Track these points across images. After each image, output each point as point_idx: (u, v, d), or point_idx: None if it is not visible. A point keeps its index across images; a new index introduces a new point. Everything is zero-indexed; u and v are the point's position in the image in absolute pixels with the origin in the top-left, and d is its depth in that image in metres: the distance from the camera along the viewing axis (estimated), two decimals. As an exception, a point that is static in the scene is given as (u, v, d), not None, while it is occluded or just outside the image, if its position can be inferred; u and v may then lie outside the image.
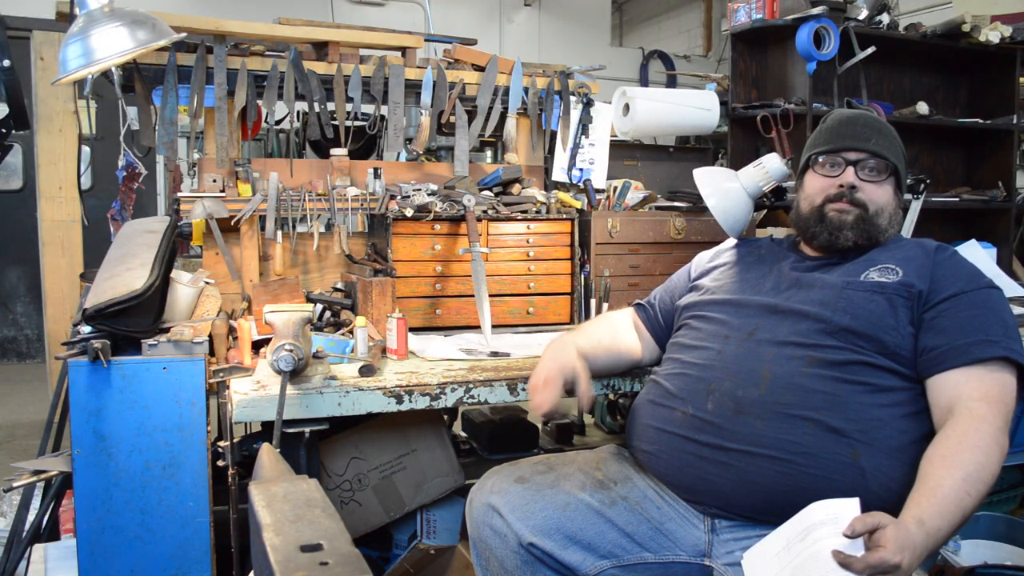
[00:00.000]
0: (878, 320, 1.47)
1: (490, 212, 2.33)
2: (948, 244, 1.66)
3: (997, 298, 1.51)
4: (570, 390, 1.63)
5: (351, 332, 1.98)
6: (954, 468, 1.28)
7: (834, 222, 1.61)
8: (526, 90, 2.55)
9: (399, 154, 3.69)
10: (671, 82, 7.79)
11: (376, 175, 2.35)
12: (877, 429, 1.41)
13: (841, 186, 1.62)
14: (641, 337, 1.85)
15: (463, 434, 2.67)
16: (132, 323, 1.65)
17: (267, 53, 2.30)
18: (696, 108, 2.74)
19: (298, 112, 2.38)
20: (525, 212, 2.38)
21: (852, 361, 1.45)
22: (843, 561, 1.15)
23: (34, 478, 1.80)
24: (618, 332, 1.84)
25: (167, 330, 1.72)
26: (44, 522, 1.97)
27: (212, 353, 1.81)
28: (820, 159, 1.66)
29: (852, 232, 1.60)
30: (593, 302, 2.42)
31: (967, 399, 1.38)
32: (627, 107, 2.68)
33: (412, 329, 2.09)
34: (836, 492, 1.37)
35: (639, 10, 9.68)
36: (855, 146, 1.62)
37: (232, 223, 2.25)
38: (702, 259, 1.87)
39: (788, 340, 1.50)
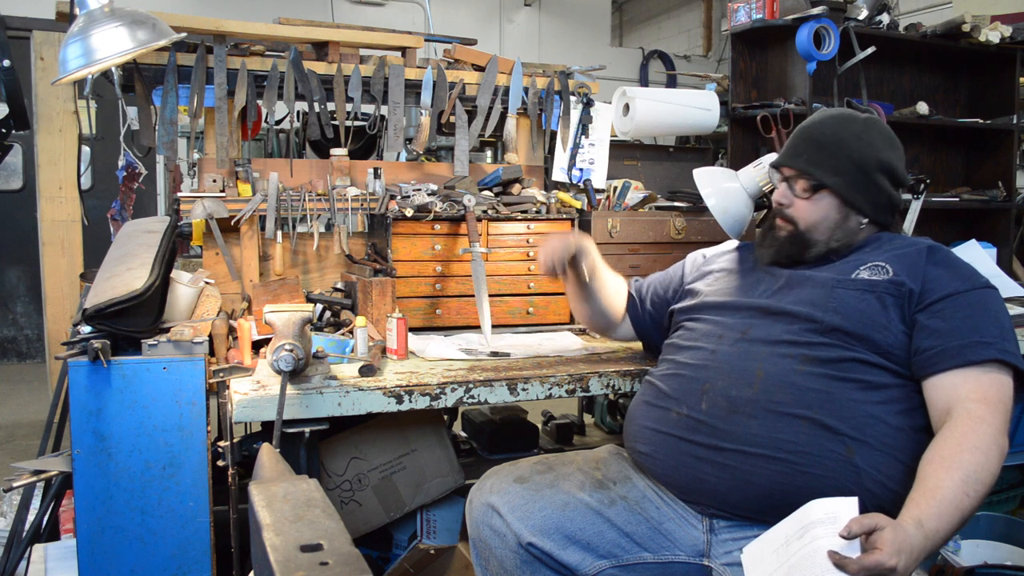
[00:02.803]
0: (869, 319, 1.47)
1: (490, 212, 2.33)
2: (945, 244, 1.66)
3: (992, 298, 1.50)
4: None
5: (351, 332, 1.98)
6: (953, 469, 1.28)
7: (776, 239, 1.67)
8: (526, 90, 2.55)
9: (399, 154, 3.69)
10: (671, 82, 7.80)
11: (376, 175, 2.35)
12: (871, 426, 1.41)
13: (778, 203, 1.67)
14: (623, 316, 1.95)
15: (463, 434, 2.67)
16: (132, 323, 1.65)
17: (267, 53, 2.30)
18: (696, 108, 2.74)
19: (298, 112, 2.38)
20: (525, 212, 2.38)
21: (845, 358, 1.45)
22: (838, 562, 1.15)
23: (34, 478, 1.80)
24: (620, 290, 1.95)
25: (167, 330, 1.72)
26: (44, 522, 1.97)
27: (212, 353, 1.81)
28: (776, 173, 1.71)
29: (770, 251, 1.67)
30: (593, 302, 2.42)
31: (965, 400, 1.37)
32: (627, 107, 2.68)
33: (412, 329, 2.09)
34: (831, 490, 1.37)
35: (639, 10, 9.68)
36: (785, 162, 1.67)
37: (232, 223, 2.25)
38: (697, 260, 1.88)
39: (781, 339, 1.51)
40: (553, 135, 2.64)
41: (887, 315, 1.47)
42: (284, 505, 0.93)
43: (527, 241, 2.39)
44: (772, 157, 1.96)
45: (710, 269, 1.81)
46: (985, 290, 1.50)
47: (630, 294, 1.93)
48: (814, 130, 1.67)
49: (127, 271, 1.72)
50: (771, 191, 1.96)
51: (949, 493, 1.25)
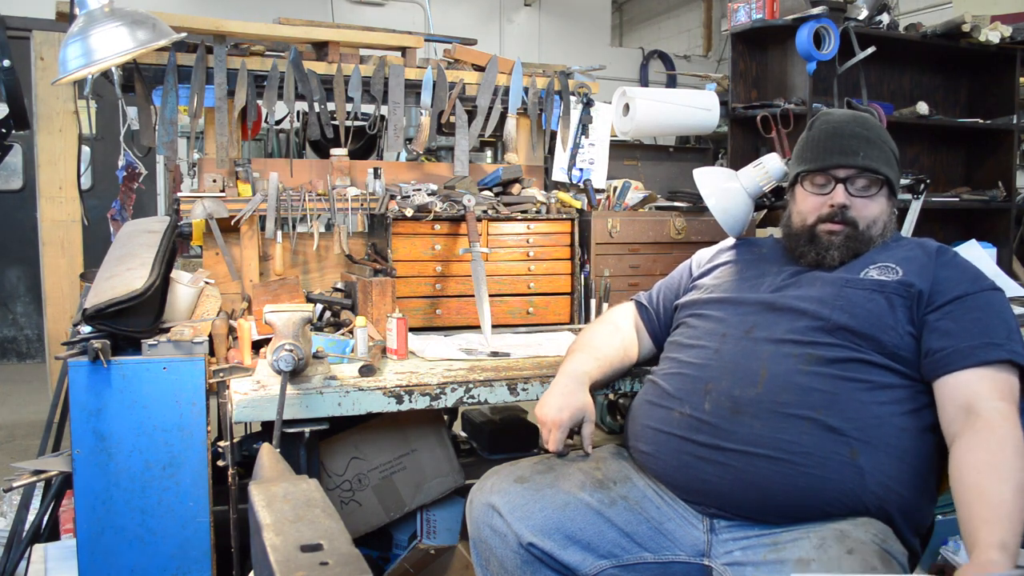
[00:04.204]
0: (876, 320, 1.47)
1: (490, 212, 2.33)
2: (948, 244, 1.66)
3: (999, 300, 1.51)
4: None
5: (351, 332, 1.98)
6: (1007, 478, 1.25)
7: (823, 243, 1.61)
8: (526, 90, 2.55)
9: (399, 154, 3.70)
10: (671, 82, 7.80)
11: (376, 175, 2.35)
12: (876, 427, 1.40)
13: (832, 206, 1.61)
14: (640, 338, 1.85)
15: (463, 434, 2.67)
16: (132, 323, 1.65)
17: (267, 53, 2.30)
18: (696, 108, 2.74)
19: (298, 112, 2.38)
20: (525, 212, 2.38)
21: (850, 358, 1.45)
22: None
23: (34, 478, 1.80)
24: (626, 346, 1.82)
25: (167, 330, 1.72)
26: (44, 522, 1.97)
27: (212, 353, 1.81)
28: (808, 176, 1.65)
29: (839, 252, 1.60)
30: (593, 302, 2.42)
31: (987, 398, 1.37)
32: (627, 107, 2.68)
33: (412, 329, 2.09)
34: (835, 491, 1.37)
35: (639, 10, 9.68)
36: (843, 163, 1.60)
37: (232, 223, 2.25)
38: (703, 257, 1.87)
39: (785, 338, 1.50)
40: (553, 135, 2.64)
41: (895, 316, 1.47)
42: (284, 505, 0.93)
43: (527, 241, 2.39)
44: (772, 157, 1.96)
45: (714, 264, 1.81)
46: (993, 292, 1.51)
47: (641, 306, 1.88)
48: (850, 128, 1.63)
49: (127, 271, 1.72)
50: (772, 191, 1.96)
51: (1013, 507, 1.22)
